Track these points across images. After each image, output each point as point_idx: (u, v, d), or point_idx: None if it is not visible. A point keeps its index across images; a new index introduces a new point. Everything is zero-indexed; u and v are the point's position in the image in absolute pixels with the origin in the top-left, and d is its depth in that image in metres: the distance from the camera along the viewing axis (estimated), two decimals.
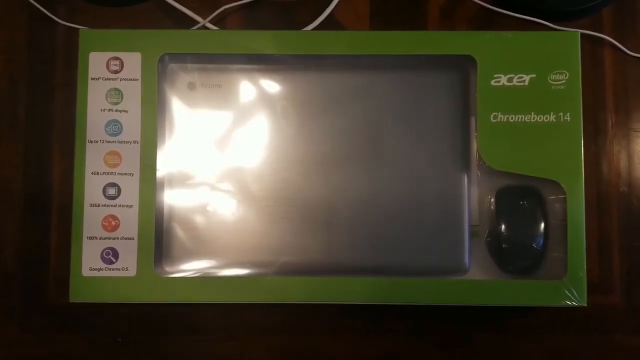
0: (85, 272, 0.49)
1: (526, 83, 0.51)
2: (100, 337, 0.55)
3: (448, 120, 0.53)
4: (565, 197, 0.50)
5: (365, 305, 0.53)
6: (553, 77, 0.51)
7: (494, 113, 0.51)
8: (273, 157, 0.52)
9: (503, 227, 0.52)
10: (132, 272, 0.50)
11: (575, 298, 0.49)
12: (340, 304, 0.52)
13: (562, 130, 0.50)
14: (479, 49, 0.51)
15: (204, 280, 0.51)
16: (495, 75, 0.51)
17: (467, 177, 0.52)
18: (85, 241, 0.50)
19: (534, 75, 0.51)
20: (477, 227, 0.53)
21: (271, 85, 0.53)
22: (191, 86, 0.53)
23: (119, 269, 0.50)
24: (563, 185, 0.50)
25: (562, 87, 0.51)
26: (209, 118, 0.53)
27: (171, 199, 0.52)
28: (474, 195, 0.53)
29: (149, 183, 0.50)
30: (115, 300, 0.50)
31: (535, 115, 0.51)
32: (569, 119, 0.51)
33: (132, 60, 0.51)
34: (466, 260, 0.52)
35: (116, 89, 0.51)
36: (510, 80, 0.51)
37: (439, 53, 0.52)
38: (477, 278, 0.52)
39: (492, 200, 0.52)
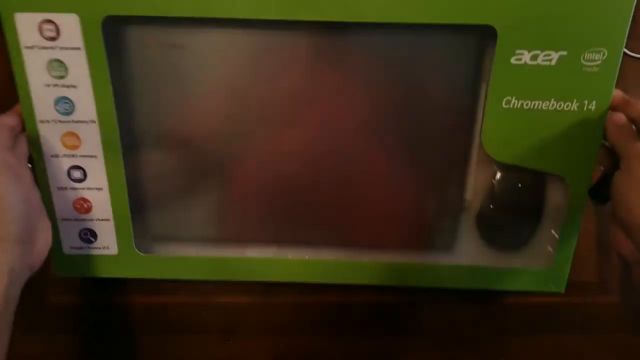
0: (66, 250, 0.49)
1: (553, 62, 0.42)
2: (101, 337, 0.56)
3: (454, 95, 0.45)
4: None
5: (365, 305, 0.54)
6: (588, 56, 0.41)
7: (507, 97, 0.43)
8: (251, 126, 0.47)
9: (497, 204, 0.49)
10: (113, 250, 0.49)
11: (556, 285, 0.50)
12: (339, 301, 0.52)
13: (583, 121, 0.43)
14: (502, 18, 0.41)
15: (185, 259, 0.50)
16: (518, 52, 0.41)
17: (467, 151, 0.47)
18: (60, 222, 0.48)
19: (565, 53, 0.41)
20: (468, 202, 0.50)
21: (247, 44, 0.44)
22: (148, 50, 0.43)
23: (99, 248, 0.49)
24: (568, 182, 0.45)
25: (596, 69, 0.42)
26: (172, 84, 0.45)
27: (142, 173, 0.48)
28: (471, 171, 0.49)
29: (116, 165, 0.46)
30: (100, 276, 0.50)
31: (555, 102, 0.43)
32: (593, 107, 0.43)
33: (69, 24, 0.41)
34: (455, 234, 0.51)
35: (57, 60, 0.42)
36: (534, 58, 0.42)
37: (452, 22, 0.41)
38: (464, 253, 0.51)
39: (492, 177, 0.48)
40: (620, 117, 0.42)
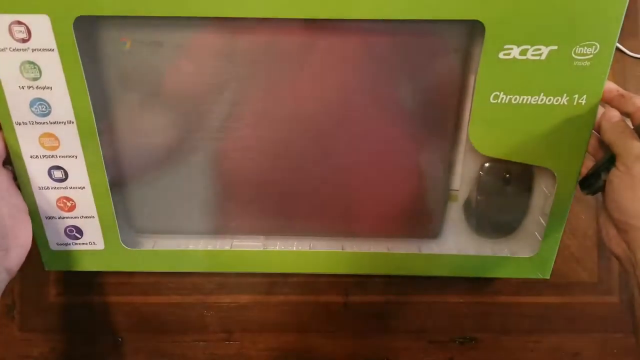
0: (53, 246, 0.49)
1: (543, 57, 0.40)
2: (100, 337, 0.56)
3: (441, 88, 0.44)
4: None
5: (364, 305, 0.54)
6: (579, 50, 0.40)
7: (495, 92, 0.42)
8: (233, 119, 0.46)
9: (484, 194, 0.48)
10: (100, 245, 0.49)
11: (541, 272, 0.50)
12: (339, 300, 0.52)
13: (572, 115, 0.42)
14: (489, 13, 0.39)
15: (171, 252, 0.50)
16: (506, 47, 0.40)
17: (454, 143, 0.47)
18: (44, 220, 0.48)
19: (555, 47, 0.40)
20: (456, 192, 0.50)
21: (227, 39, 0.42)
22: (124, 48, 0.42)
23: (86, 243, 0.49)
24: (556, 175, 0.45)
25: (587, 63, 0.40)
26: (150, 80, 0.44)
27: (124, 169, 0.47)
28: (458, 161, 0.48)
29: (96, 164, 0.45)
30: (88, 269, 0.50)
31: (545, 97, 0.42)
32: (583, 102, 0.42)
33: (40, 25, 0.39)
34: (441, 223, 0.51)
35: (30, 62, 0.40)
36: (523, 52, 0.40)
37: (438, 18, 0.39)
38: (450, 241, 0.51)
39: (480, 167, 0.48)
40: (616, 114, 0.41)
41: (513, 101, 0.42)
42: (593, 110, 0.42)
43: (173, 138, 0.46)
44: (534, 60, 0.40)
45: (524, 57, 0.40)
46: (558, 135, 0.43)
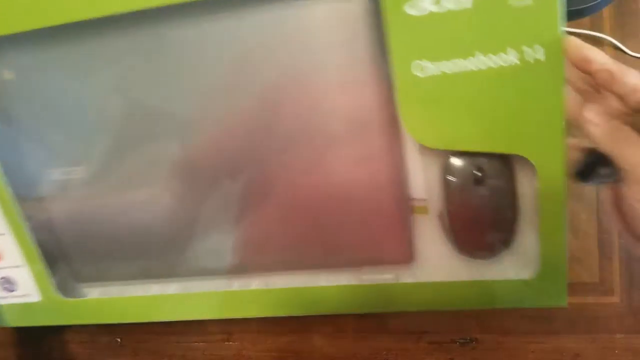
0: None
1: (468, 4, 0.30)
2: (100, 337, 0.55)
3: (355, 68, 0.35)
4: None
5: None
6: None
7: (417, 61, 0.32)
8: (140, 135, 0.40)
9: (455, 202, 0.37)
10: (35, 297, 0.46)
11: (552, 298, 0.37)
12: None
13: (531, 78, 0.31)
14: None
15: (113, 300, 0.45)
16: None
17: (392, 135, 0.36)
18: None
19: None
20: (424, 202, 0.39)
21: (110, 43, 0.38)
22: (5, 78, 0.39)
23: (22, 296, 0.46)
24: (532, 161, 0.33)
25: (530, 1, 0.29)
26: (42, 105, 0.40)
27: (46, 216, 0.44)
28: (417, 164, 0.38)
29: (9, 209, 0.42)
30: (27, 325, 0.47)
31: (483, 57, 0.31)
32: (542, 57, 0.30)
33: None
34: (410, 244, 0.40)
35: None
36: (437, 1, 0.30)
37: None
38: (428, 266, 0.40)
39: (444, 169, 0.37)
40: (602, 110, 0.30)
41: (446, 70, 0.32)
42: (558, 68, 0.30)
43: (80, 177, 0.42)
44: (455, 10, 0.30)
45: (440, 9, 0.30)
46: (519, 108, 0.32)
